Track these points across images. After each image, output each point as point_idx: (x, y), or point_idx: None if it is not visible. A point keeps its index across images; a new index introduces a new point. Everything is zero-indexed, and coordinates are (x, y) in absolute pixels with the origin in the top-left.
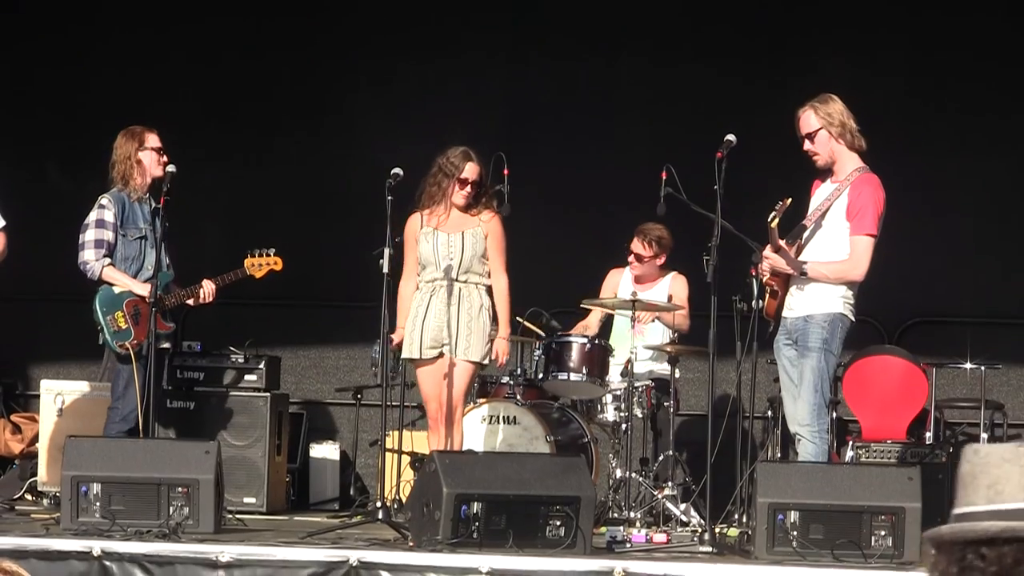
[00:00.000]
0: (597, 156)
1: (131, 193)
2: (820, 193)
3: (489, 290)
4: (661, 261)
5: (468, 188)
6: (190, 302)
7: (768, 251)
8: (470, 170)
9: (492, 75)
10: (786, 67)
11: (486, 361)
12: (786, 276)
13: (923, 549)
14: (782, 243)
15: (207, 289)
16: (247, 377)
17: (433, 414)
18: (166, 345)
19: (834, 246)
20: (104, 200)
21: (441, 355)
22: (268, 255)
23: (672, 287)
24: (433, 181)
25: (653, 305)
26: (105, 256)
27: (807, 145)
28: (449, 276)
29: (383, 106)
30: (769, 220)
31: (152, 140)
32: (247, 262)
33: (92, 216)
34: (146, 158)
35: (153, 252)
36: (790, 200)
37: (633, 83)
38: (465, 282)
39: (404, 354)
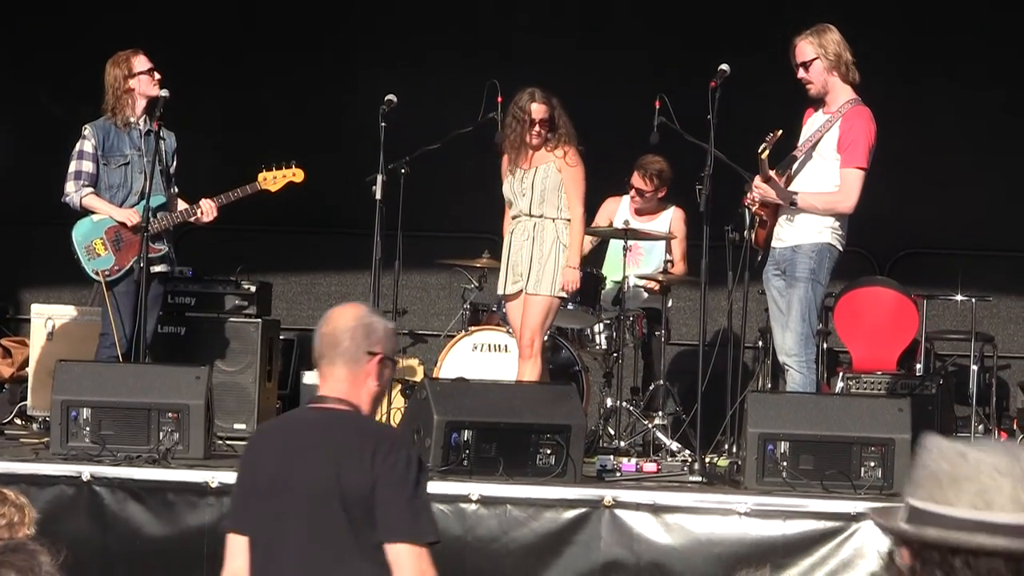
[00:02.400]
0: (591, 85)
1: (119, 121)
2: (811, 124)
3: (568, 224)
4: (662, 194)
5: (537, 128)
6: (192, 220)
7: (758, 181)
8: (536, 111)
9: (486, 2)
10: None
11: (563, 294)
12: (775, 206)
13: (888, 539)
14: (772, 174)
15: (205, 207)
16: (238, 303)
17: (519, 344)
18: (161, 268)
19: (824, 177)
20: (86, 131)
21: (521, 289)
22: (288, 165)
23: (672, 223)
24: (510, 130)
25: (647, 233)
26: (85, 186)
27: (801, 73)
28: (525, 212)
29: (380, 32)
30: (759, 151)
31: (140, 64)
32: (261, 176)
33: (75, 148)
34: (137, 84)
35: (141, 178)
36: (781, 132)
37: (628, 12)
38: (541, 216)
39: (499, 292)
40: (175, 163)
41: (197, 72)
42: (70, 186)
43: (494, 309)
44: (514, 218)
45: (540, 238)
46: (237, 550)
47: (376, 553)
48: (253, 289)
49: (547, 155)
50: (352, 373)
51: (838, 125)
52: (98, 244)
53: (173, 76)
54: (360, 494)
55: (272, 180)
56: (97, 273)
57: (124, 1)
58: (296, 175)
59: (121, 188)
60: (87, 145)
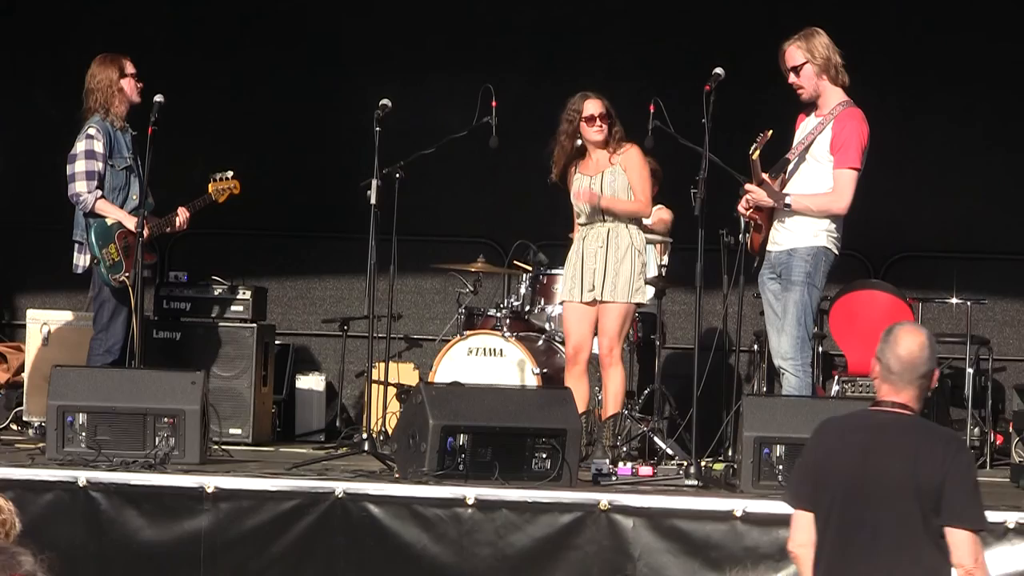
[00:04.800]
0: (586, 89)
1: (114, 121)
2: (804, 127)
3: (641, 226)
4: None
5: (598, 122)
6: (168, 230)
7: (751, 185)
8: (593, 106)
9: (480, 5)
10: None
11: (643, 300)
12: (770, 210)
13: None
14: (765, 176)
15: (182, 217)
16: (233, 308)
17: (570, 352)
18: (147, 274)
19: (818, 180)
20: (92, 130)
21: (595, 298)
22: (226, 179)
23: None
24: (564, 135)
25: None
26: (97, 188)
27: (792, 78)
28: (599, 218)
29: (374, 36)
30: (750, 152)
31: (130, 66)
32: (211, 187)
33: (81, 146)
34: (127, 85)
35: (137, 182)
36: (771, 132)
37: (623, 16)
38: (614, 222)
39: (564, 297)
40: None
41: (192, 75)
42: (82, 186)
43: (490, 313)
44: (583, 225)
45: (615, 244)
46: (804, 525)
47: (939, 539)
48: (248, 294)
49: (610, 157)
50: (922, 388)
51: (830, 127)
52: (113, 250)
53: (168, 79)
54: (932, 487)
55: (219, 192)
56: (118, 280)
57: (120, 3)
58: (235, 188)
59: (122, 191)
60: (97, 145)
